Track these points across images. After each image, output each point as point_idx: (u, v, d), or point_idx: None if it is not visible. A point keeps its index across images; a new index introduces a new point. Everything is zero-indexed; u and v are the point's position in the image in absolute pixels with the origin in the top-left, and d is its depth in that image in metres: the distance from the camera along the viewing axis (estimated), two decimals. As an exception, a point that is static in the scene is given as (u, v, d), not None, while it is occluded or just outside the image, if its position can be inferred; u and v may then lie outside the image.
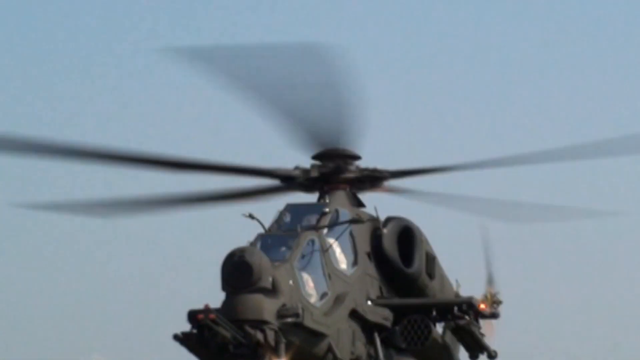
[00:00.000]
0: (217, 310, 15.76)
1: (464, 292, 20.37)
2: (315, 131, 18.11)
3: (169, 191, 19.21)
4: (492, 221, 19.60)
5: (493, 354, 19.85)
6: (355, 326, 18.00)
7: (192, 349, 16.23)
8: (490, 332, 20.19)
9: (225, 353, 15.95)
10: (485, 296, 19.75)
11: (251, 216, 17.52)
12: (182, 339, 15.99)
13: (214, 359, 16.28)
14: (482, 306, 19.31)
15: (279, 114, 17.74)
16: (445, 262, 20.72)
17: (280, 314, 15.96)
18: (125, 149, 18.02)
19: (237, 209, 18.39)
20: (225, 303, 16.17)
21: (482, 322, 19.85)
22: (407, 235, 19.35)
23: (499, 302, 19.99)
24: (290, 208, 18.39)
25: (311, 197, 19.50)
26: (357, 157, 19.24)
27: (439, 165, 19.36)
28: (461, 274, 21.11)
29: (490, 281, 20.34)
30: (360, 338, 18.25)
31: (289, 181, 19.00)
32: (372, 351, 18.58)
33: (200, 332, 15.75)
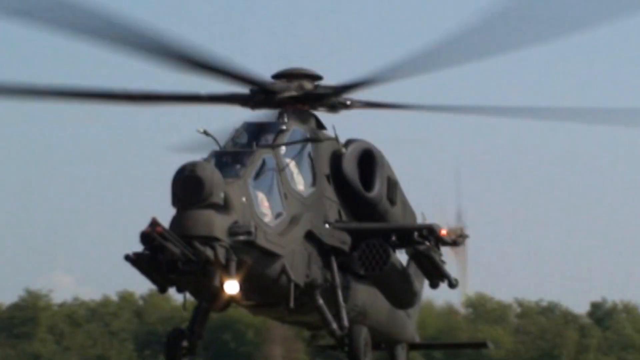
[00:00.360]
0: (166, 226, 15.18)
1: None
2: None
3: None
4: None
5: (454, 281, 19.18)
6: (311, 249, 17.20)
7: (143, 270, 15.65)
8: (463, 261, 19.77)
9: (174, 270, 15.18)
10: (451, 229, 19.26)
11: (205, 132, 16.90)
12: (134, 260, 15.44)
13: (165, 279, 15.71)
14: (443, 232, 18.67)
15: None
16: (413, 196, 20.15)
17: (232, 232, 15.27)
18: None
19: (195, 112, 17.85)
20: (175, 219, 15.51)
21: (453, 250, 19.55)
22: (369, 158, 18.64)
23: (465, 236, 19.70)
24: (247, 125, 17.61)
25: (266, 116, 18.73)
26: (319, 77, 18.37)
27: (403, 103, 19.00)
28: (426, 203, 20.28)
29: (458, 216, 19.79)
30: (316, 261, 17.43)
31: (250, 97, 18.01)
32: (328, 275, 17.82)
33: (152, 252, 15.13)
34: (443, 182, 21.02)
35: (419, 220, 20.04)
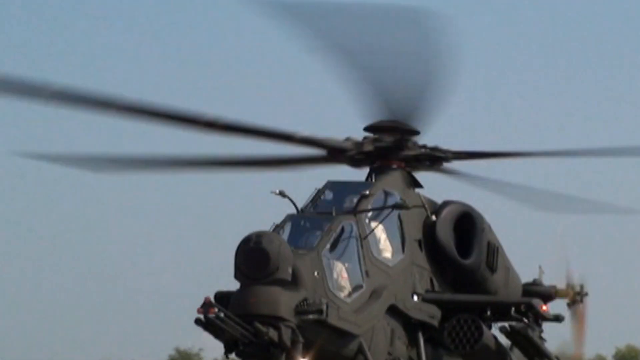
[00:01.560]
0: (224, 302, 14.09)
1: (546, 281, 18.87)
2: (382, 99, 15.34)
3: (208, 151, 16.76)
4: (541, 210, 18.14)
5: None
6: (394, 324, 15.77)
7: (215, 334, 14.23)
8: (581, 321, 18.90)
9: (236, 351, 14.31)
10: (568, 287, 18.57)
11: (282, 194, 15.33)
12: (204, 324, 14.00)
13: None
14: (544, 308, 17.34)
15: (353, 76, 15.14)
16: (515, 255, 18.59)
17: (300, 310, 13.94)
18: (176, 108, 15.39)
19: (272, 178, 16.44)
20: (237, 295, 14.19)
21: (571, 310, 18.90)
22: (467, 222, 17.00)
23: (584, 294, 18.82)
24: (331, 185, 16.01)
25: (359, 174, 16.90)
26: (416, 133, 16.56)
27: (506, 151, 17.27)
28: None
29: (569, 276, 18.86)
30: (401, 337, 16.02)
31: (337, 153, 16.41)
32: (414, 353, 16.34)
33: (212, 333, 14.15)
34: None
35: (535, 276, 18.96)
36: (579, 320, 18.88)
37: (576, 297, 18.68)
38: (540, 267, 18.98)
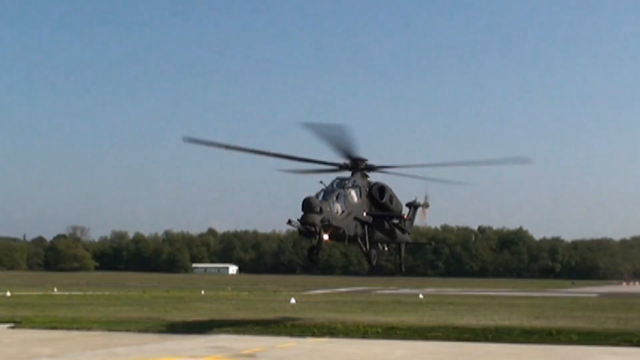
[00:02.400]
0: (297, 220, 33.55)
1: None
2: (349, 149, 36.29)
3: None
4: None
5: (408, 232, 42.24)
6: (356, 222, 36.04)
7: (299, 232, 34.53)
8: (424, 217, 43.08)
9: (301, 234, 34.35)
10: (424, 202, 42.56)
11: (321, 182, 35.52)
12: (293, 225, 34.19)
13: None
14: (405, 216, 40.17)
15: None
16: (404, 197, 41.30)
17: (322, 221, 33.08)
18: None
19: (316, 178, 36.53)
20: (302, 217, 33.05)
21: (420, 211, 42.70)
22: (382, 188, 38.01)
23: (427, 205, 42.83)
24: (337, 178, 36.31)
25: (347, 173, 37.76)
26: (366, 160, 37.81)
27: (399, 164, 39.36)
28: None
29: (426, 198, 42.70)
30: (358, 227, 36.28)
31: (341, 167, 37.56)
32: (362, 231, 36.61)
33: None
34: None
35: (412, 199, 42.56)
36: (423, 215, 42.97)
37: (425, 205, 42.63)
38: (415, 197, 42.46)
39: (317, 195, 34.29)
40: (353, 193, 36.06)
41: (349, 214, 35.31)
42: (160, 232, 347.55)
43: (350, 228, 35.59)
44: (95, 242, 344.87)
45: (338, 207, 34.55)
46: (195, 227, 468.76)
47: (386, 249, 41.86)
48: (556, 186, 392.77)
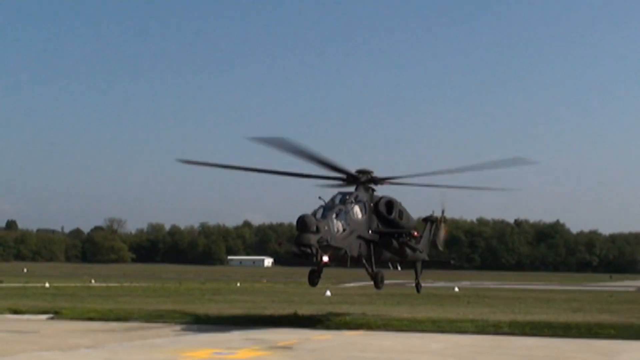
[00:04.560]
0: (288, 240, 35.44)
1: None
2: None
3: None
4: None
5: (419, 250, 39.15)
6: (360, 241, 33.37)
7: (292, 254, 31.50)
8: (444, 233, 41.96)
9: (299, 256, 30.92)
10: (441, 217, 41.43)
11: (320, 198, 33.15)
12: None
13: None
14: (415, 234, 36.69)
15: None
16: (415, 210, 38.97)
17: (319, 242, 30.48)
18: None
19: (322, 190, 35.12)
20: (296, 237, 30.77)
21: (442, 228, 41.48)
22: (389, 202, 35.60)
23: (445, 220, 42.15)
24: (339, 193, 34.05)
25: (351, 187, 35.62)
26: (371, 172, 35.72)
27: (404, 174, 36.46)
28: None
29: (443, 213, 41.64)
30: (362, 246, 33.60)
31: (345, 181, 35.37)
32: (367, 251, 33.99)
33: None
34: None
35: (429, 213, 41.43)
36: (443, 227, 41.88)
37: (442, 219, 41.53)
38: (433, 211, 41.43)
39: (314, 213, 31.46)
40: (356, 209, 33.09)
41: (352, 232, 32.30)
42: (196, 225, 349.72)
43: (354, 248, 32.64)
44: (132, 234, 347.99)
45: (339, 225, 31.63)
46: (230, 219, 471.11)
47: (399, 268, 38.87)
48: (594, 179, 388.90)
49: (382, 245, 34.77)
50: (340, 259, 32.72)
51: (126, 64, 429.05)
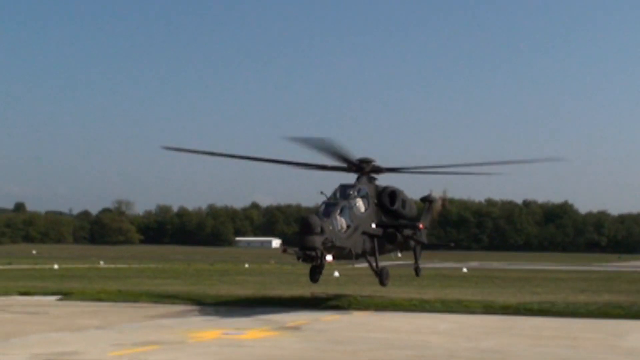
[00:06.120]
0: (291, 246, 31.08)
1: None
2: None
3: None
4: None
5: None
6: (365, 237, 32.81)
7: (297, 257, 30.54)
8: (439, 207, 42.41)
9: (303, 259, 30.03)
10: (442, 197, 42.63)
11: (322, 192, 32.86)
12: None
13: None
14: (421, 226, 36.54)
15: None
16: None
17: (323, 243, 29.53)
18: None
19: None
20: (299, 240, 29.66)
21: (439, 200, 41.75)
22: (392, 192, 35.20)
23: (447, 199, 44.36)
24: (341, 186, 33.27)
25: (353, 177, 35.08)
26: (373, 160, 34.91)
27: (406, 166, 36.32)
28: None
29: (444, 193, 43.21)
30: (367, 242, 33.04)
31: (346, 170, 34.45)
32: (372, 245, 33.43)
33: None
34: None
35: (429, 192, 41.08)
36: (441, 205, 42.89)
37: (443, 200, 42.66)
38: (431, 190, 41.14)
39: (317, 211, 30.94)
40: (360, 203, 32.41)
41: (356, 229, 31.65)
42: (204, 206, 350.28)
43: (358, 245, 32.06)
44: (140, 215, 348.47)
45: (343, 222, 30.90)
46: (238, 201, 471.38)
47: (399, 255, 39.60)
48: (602, 159, 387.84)
49: (386, 238, 34.17)
50: (344, 257, 32.47)
51: (135, 43, 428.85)
